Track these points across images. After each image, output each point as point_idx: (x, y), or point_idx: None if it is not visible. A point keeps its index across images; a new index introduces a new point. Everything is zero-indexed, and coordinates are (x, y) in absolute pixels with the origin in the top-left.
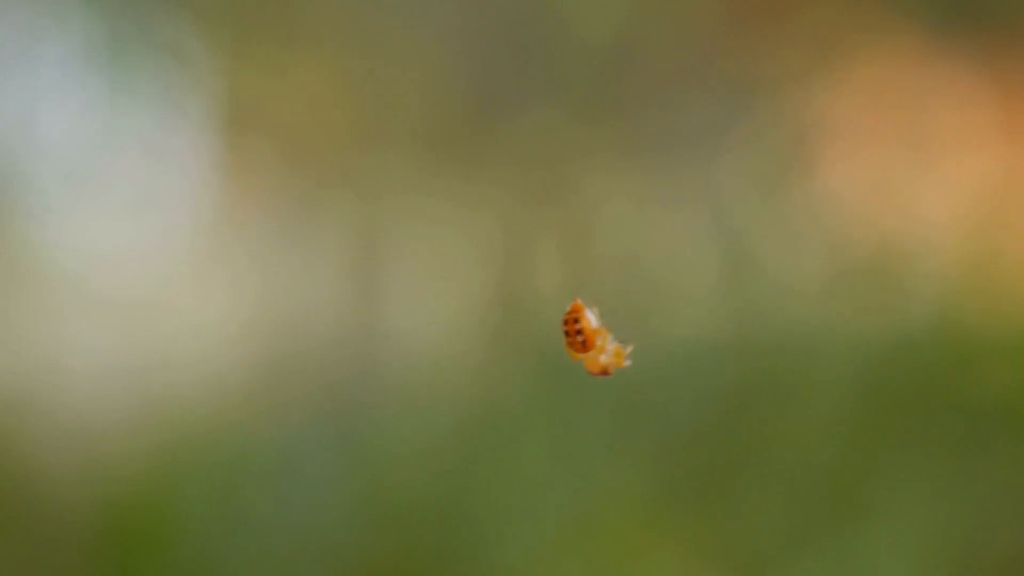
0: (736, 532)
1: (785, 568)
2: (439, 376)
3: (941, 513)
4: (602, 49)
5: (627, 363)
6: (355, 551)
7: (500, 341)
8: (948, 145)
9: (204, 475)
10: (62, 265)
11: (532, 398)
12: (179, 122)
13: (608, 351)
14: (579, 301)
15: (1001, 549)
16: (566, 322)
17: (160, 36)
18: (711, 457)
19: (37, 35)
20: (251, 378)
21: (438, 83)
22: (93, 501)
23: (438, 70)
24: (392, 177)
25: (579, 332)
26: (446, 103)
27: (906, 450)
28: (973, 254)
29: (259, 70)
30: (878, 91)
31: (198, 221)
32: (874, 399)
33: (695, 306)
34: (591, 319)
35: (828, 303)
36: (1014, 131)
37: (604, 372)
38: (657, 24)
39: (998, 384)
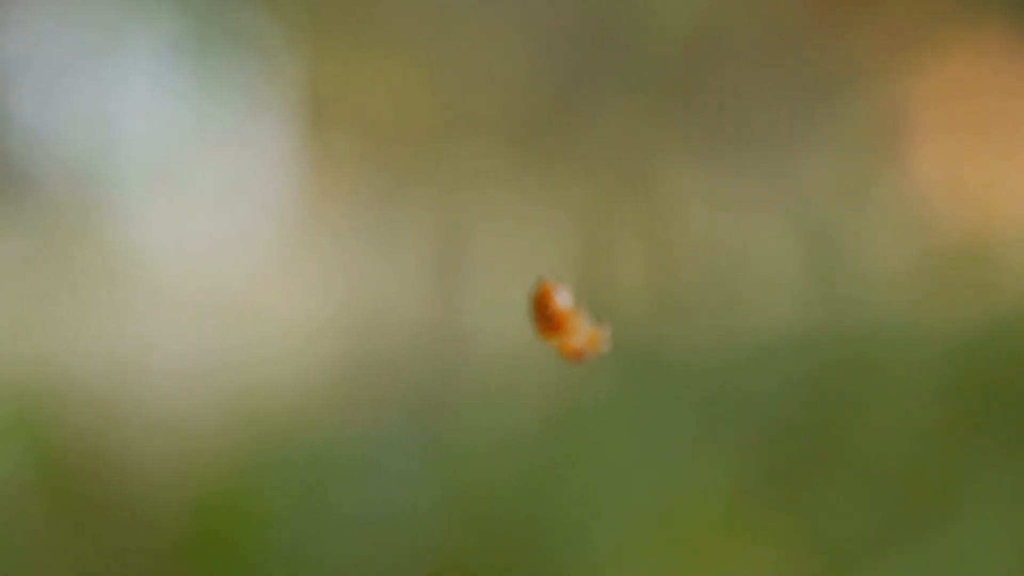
0: (823, 528)
1: (872, 565)
2: (522, 372)
3: None
4: (684, 43)
5: (604, 348)
6: (439, 548)
7: None
8: None
9: (289, 472)
10: (148, 261)
11: (615, 393)
12: (263, 117)
13: (582, 334)
14: (547, 280)
15: None
16: (534, 304)
17: (244, 31)
18: (797, 452)
19: (123, 31)
20: (335, 374)
21: (520, 76)
22: (179, 499)
23: (520, 63)
24: (474, 171)
25: (549, 314)
26: (528, 97)
27: (995, 445)
28: None
29: (342, 64)
30: (963, 83)
31: (282, 216)
32: (962, 393)
33: (779, 300)
34: (563, 300)
35: (914, 295)
36: None
37: (578, 357)
38: (739, 17)
39: None
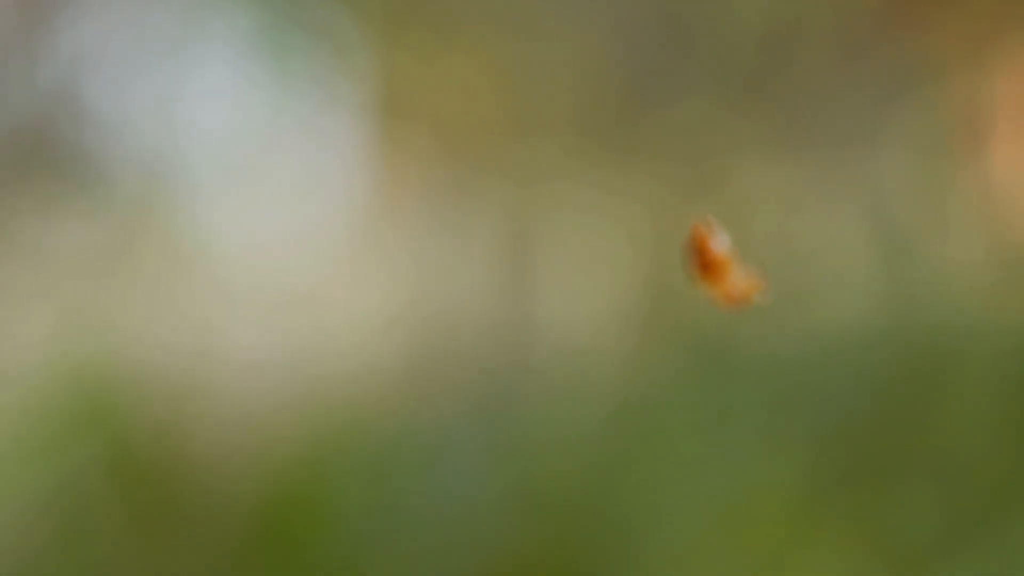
0: (893, 525)
1: (943, 563)
2: (591, 366)
3: None
4: (757, 39)
5: (760, 297)
6: (506, 542)
7: (652, 331)
8: None
9: (357, 465)
10: (219, 254)
11: (684, 388)
12: (335, 110)
13: (740, 280)
14: (702, 225)
15: None
16: (689, 248)
17: (319, 24)
18: (867, 449)
19: (197, 24)
20: (404, 369)
21: (592, 71)
22: (249, 492)
23: (592, 58)
24: (545, 165)
25: (705, 259)
26: (600, 91)
27: None
28: None
29: (414, 57)
30: None
31: (353, 209)
32: None
33: (851, 298)
34: (720, 244)
35: (987, 293)
36: None
37: (734, 304)
38: (814, 14)
39: None
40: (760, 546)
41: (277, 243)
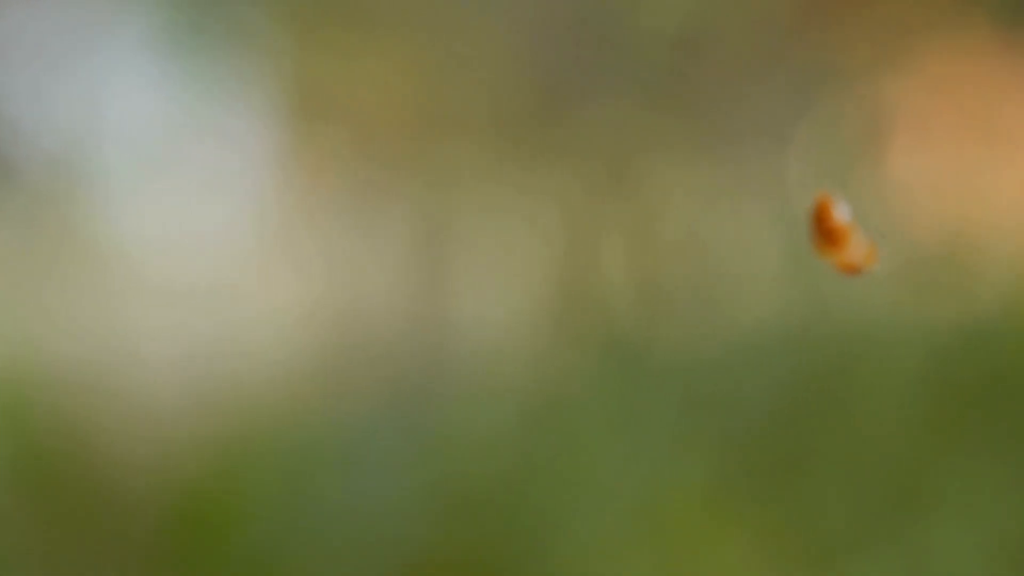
0: (802, 524)
1: (851, 561)
2: (505, 365)
3: (1014, 508)
4: (672, 39)
5: (877, 264)
6: (421, 539)
7: (566, 331)
8: (1017, 136)
9: (270, 462)
10: (129, 250)
11: (598, 388)
12: (248, 107)
13: (859, 248)
14: (827, 194)
15: None
16: (814, 217)
17: (232, 22)
18: (777, 448)
19: (108, 20)
20: (317, 365)
21: (507, 71)
22: (160, 487)
23: (508, 58)
24: (460, 165)
25: (828, 228)
26: (515, 92)
27: (975, 443)
28: None
29: (329, 57)
30: (948, 83)
31: (267, 207)
32: (942, 390)
33: (763, 297)
34: (842, 213)
35: (896, 294)
36: None
37: (854, 270)
38: (728, 14)
39: None
40: (670, 544)
41: (190, 241)
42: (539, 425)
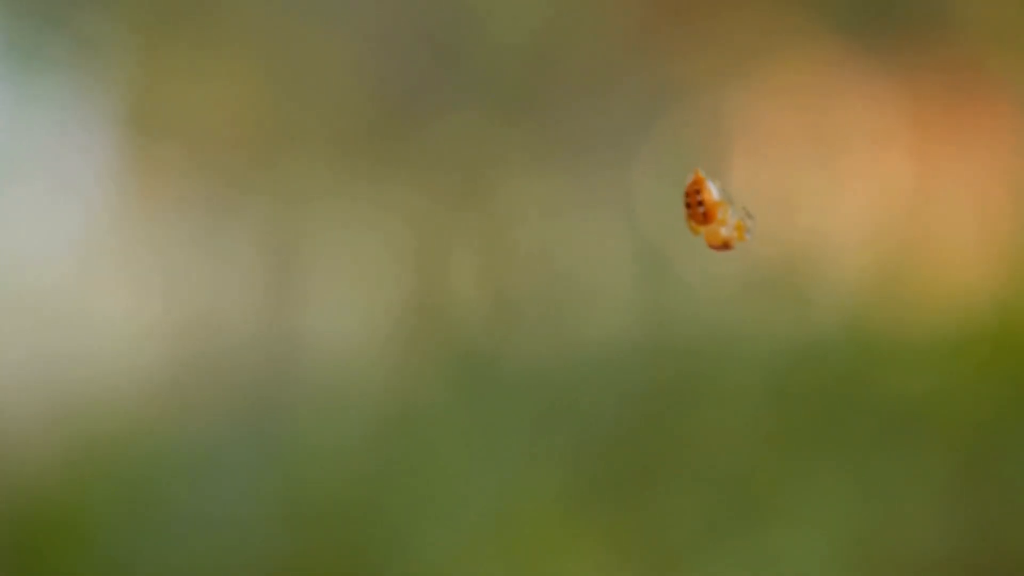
0: (651, 531)
1: (699, 566)
2: (355, 377)
3: (852, 514)
4: (519, 51)
5: (748, 237)
6: (271, 550)
7: (418, 343)
8: (860, 147)
9: (117, 473)
10: None
11: (449, 399)
12: (89, 122)
13: (729, 224)
14: (700, 172)
15: (911, 550)
16: (687, 194)
17: (74, 34)
18: (627, 457)
19: None
20: (166, 377)
21: (353, 86)
22: (6, 505)
23: (353, 72)
24: (306, 180)
25: (700, 204)
26: (363, 106)
27: (817, 452)
28: (883, 256)
29: (172, 72)
30: (792, 94)
31: (104, 221)
32: (785, 401)
33: (611, 309)
34: (713, 191)
35: (740, 306)
36: (925, 134)
37: (725, 246)
38: (575, 27)
39: (906, 387)
40: (525, 552)
41: (29, 255)
42: (392, 436)
